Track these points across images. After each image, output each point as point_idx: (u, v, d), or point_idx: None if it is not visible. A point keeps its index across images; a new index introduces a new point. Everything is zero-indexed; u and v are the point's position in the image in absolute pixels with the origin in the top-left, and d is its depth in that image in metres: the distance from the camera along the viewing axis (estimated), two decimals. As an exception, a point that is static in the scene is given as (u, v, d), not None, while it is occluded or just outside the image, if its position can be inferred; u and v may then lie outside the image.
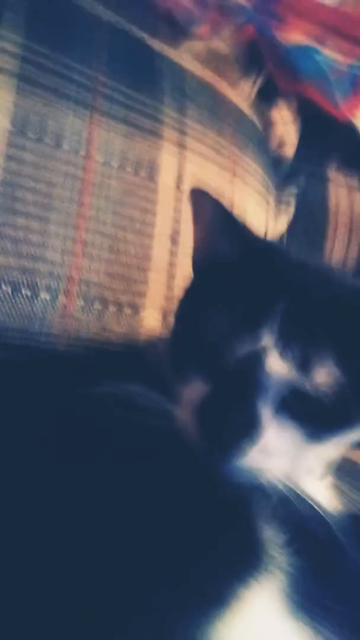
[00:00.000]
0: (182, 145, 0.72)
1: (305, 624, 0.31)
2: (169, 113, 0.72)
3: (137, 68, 0.70)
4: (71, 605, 0.27)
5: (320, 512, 0.41)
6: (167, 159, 0.70)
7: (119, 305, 0.66)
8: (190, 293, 0.51)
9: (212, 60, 0.90)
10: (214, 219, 0.48)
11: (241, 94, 0.92)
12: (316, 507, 0.41)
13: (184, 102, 0.75)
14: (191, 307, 0.49)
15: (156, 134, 0.70)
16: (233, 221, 0.48)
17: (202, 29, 0.97)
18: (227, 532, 0.34)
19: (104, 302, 0.65)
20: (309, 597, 0.32)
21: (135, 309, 0.67)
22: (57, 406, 0.41)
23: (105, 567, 0.29)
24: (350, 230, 1.14)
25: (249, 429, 0.39)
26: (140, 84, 0.70)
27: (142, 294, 0.68)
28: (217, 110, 0.81)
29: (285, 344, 0.40)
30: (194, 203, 0.50)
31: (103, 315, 0.65)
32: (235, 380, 0.40)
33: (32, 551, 0.29)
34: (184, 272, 0.70)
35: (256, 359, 0.40)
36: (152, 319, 0.69)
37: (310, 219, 1.08)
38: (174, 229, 0.71)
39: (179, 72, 0.78)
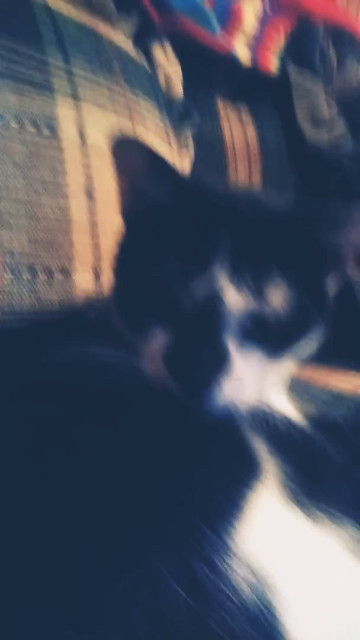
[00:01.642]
0: (75, 96, 0.69)
1: (308, 508, 0.35)
2: (54, 63, 0.68)
3: (13, 16, 0.65)
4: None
5: (294, 421, 0.44)
6: (64, 112, 0.67)
7: (49, 272, 0.64)
8: (127, 245, 0.50)
9: (86, 1, 0.86)
10: (140, 164, 0.47)
11: (122, 34, 0.89)
12: (289, 418, 0.44)
13: (67, 49, 0.71)
14: (132, 258, 0.48)
15: (47, 87, 0.66)
16: (162, 163, 0.47)
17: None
18: (222, 452, 0.38)
19: (33, 271, 0.63)
20: (306, 488, 0.36)
21: (66, 273, 0.66)
22: (22, 379, 0.40)
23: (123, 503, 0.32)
24: (249, 162, 1.17)
25: (219, 364, 0.41)
26: (19, 33, 0.65)
27: (70, 257, 0.66)
28: (103, 54, 0.77)
29: (238, 276, 0.41)
30: (117, 153, 0.47)
31: (34, 285, 0.63)
32: (198, 321, 0.41)
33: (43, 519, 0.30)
34: (107, 228, 0.68)
35: (214, 297, 0.41)
36: (85, 280, 0.68)
37: (210, 156, 1.08)
38: (87, 185, 0.69)
39: (56, 18, 0.73)
